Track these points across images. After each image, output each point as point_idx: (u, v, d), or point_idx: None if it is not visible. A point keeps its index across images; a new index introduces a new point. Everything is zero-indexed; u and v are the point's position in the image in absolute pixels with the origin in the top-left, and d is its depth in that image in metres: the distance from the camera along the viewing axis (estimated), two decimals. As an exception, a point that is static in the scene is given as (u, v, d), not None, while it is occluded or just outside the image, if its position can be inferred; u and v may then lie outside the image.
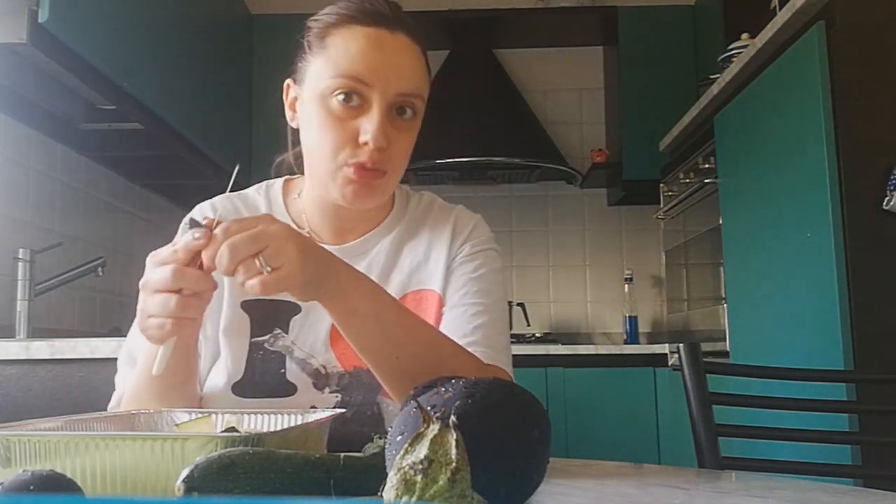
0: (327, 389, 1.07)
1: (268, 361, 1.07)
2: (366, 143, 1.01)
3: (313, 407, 1.06)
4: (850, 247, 1.74)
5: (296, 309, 1.10)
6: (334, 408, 1.05)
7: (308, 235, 0.88)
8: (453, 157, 3.41)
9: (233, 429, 0.81)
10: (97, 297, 2.87)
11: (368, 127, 1.01)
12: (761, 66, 2.16)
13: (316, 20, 1.07)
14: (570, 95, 3.93)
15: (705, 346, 1.69)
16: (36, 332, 2.33)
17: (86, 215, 2.85)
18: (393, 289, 1.11)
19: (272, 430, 0.81)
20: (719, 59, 2.56)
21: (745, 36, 2.52)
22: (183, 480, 0.55)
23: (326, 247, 1.08)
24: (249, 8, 3.58)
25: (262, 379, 1.07)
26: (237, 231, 0.80)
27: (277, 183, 1.19)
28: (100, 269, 2.57)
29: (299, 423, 0.81)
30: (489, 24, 3.73)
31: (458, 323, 1.08)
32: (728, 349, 2.39)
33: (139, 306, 0.86)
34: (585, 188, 3.85)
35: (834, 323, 1.74)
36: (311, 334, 1.09)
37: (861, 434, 1.49)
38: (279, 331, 1.09)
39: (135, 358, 1.10)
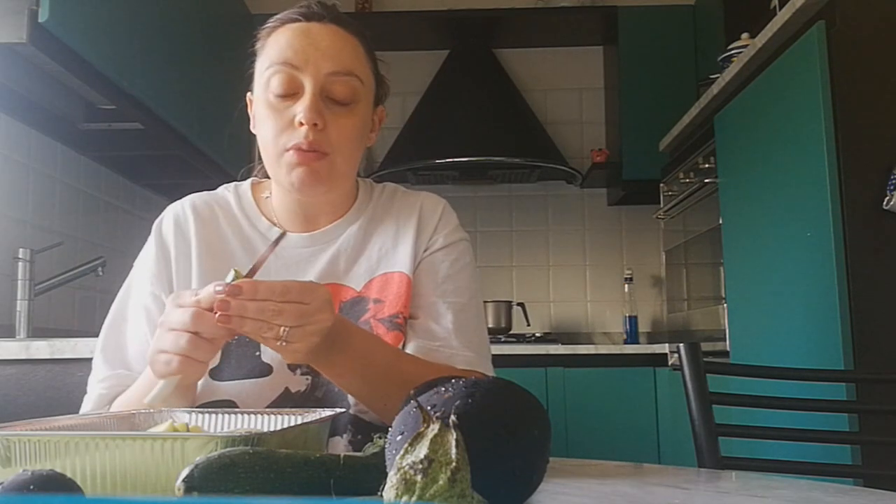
0: (299, 371, 1.11)
1: (243, 345, 1.10)
2: (301, 124, 1.06)
3: (287, 389, 1.09)
4: (850, 247, 1.74)
5: None
6: (306, 390, 1.10)
7: (313, 282, 0.94)
8: (453, 157, 3.41)
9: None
10: (97, 297, 2.87)
11: (300, 108, 1.06)
12: (761, 66, 2.15)
13: (259, 31, 1.15)
14: (570, 95, 3.93)
15: (705, 346, 1.69)
16: (36, 332, 2.33)
17: (86, 215, 2.85)
18: (361, 272, 1.16)
19: (272, 430, 0.81)
20: (719, 59, 2.56)
21: (745, 36, 2.51)
22: (183, 480, 0.55)
23: (297, 237, 1.16)
24: (249, 8, 3.59)
25: (238, 362, 1.09)
26: (295, 298, 0.86)
27: (245, 183, 1.25)
28: (100, 269, 2.57)
29: (299, 423, 0.81)
30: (489, 24, 3.73)
31: (437, 326, 1.13)
32: (728, 349, 2.39)
33: (153, 341, 0.90)
34: (585, 188, 3.85)
35: (834, 323, 1.74)
36: None
37: (861, 434, 1.49)
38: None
39: (127, 362, 1.11)
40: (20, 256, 2.30)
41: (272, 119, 1.08)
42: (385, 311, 1.13)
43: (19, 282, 2.29)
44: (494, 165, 3.54)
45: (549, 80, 3.92)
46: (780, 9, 1.98)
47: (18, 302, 2.29)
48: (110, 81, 2.21)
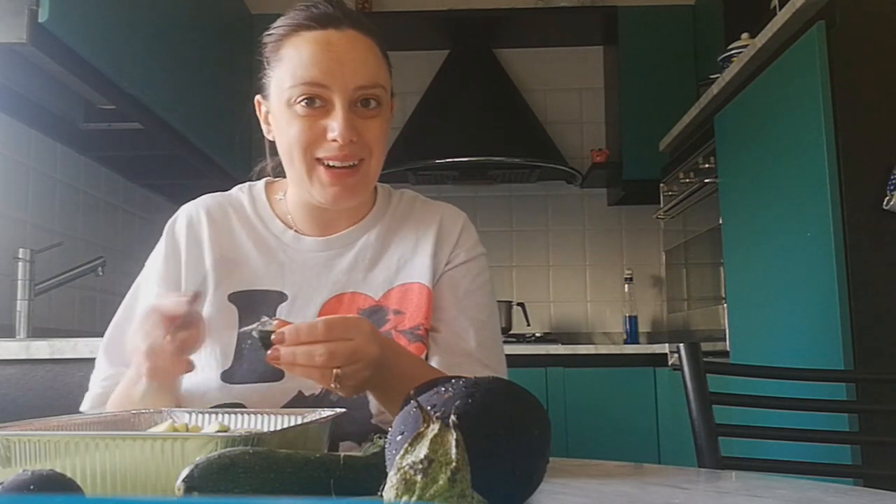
0: None
1: (256, 349, 1.09)
2: (334, 140, 1.05)
3: (300, 392, 1.09)
4: (850, 247, 1.74)
5: (282, 297, 1.13)
6: (319, 394, 1.09)
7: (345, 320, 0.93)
8: (453, 157, 3.41)
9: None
10: (97, 297, 2.87)
11: (335, 125, 1.05)
12: (761, 66, 2.15)
13: (269, 34, 1.12)
14: (570, 95, 3.93)
15: (705, 346, 1.69)
16: (36, 332, 2.33)
17: (86, 215, 2.85)
18: (380, 281, 1.16)
19: (272, 430, 0.81)
20: (719, 59, 2.56)
21: (745, 36, 2.51)
22: (183, 480, 0.55)
23: (313, 240, 1.16)
24: (249, 8, 3.58)
25: (250, 366, 1.09)
26: (339, 335, 0.87)
27: (259, 183, 1.24)
28: (100, 269, 2.57)
29: (299, 423, 0.81)
30: (489, 24, 3.72)
31: (458, 340, 1.14)
32: (728, 349, 2.39)
33: (132, 332, 0.92)
34: (585, 188, 3.85)
35: (834, 323, 1.74)
36: (299, 320, 1.11)
37: (861, 434, 1.49)
38: (267, 318, 1.12)
39: (127, 360, 1.11)
40: (20, 256, 2.30)
41: (302, 130, 1.07)
42: (406, 322, 1.13)
43: (19, 282, 2.29)
44: (494, 165, 3.54)
45: (549, 80, 3.92)
46: (780, 9, 1.98)
47: (18, 302, 2.29)
48: (110, 81, 2.21)
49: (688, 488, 0.74)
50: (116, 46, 2.23)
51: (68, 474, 0.56)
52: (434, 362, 1.13)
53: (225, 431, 0.78)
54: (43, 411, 1.73)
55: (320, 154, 1.07)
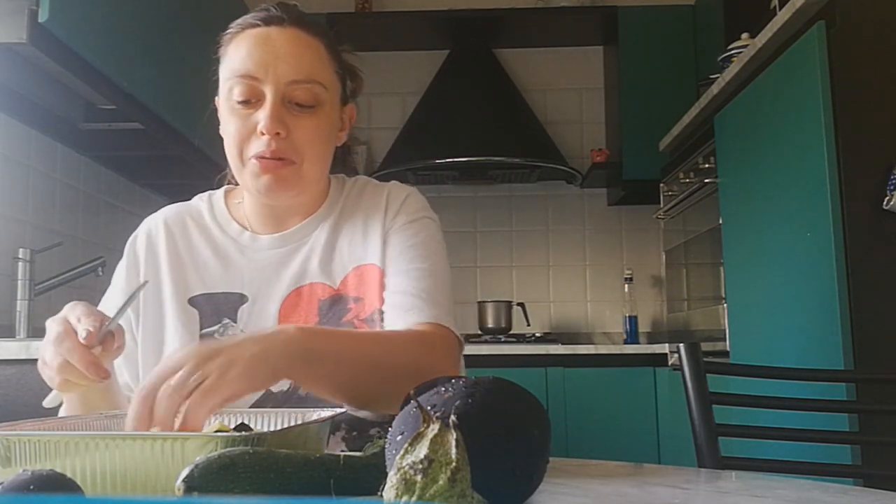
0: None
1: None
2: (262, 133, 1.05)
3: (268, 390, 1.08)
4: (850, 246, 1.74)
5: (243, 299, 1.14)
6: (288, 390, 1.08)
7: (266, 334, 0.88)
8: (453, 157, 3.41)
9: (243, 426, 0.79)
10: (97, 297, 2.86)
11: (262, 116, 1.06)
12: (761, 66, 2.16)
13: (222, 36, 1.15)
14: (570, 95, 3.93)
15: (705, 346, 1.68)
16: (36, 332, 2.33)
17: (86, 215, 2.84)
18: (337, 269, 1.15)
19: (272, 429, 0.81)
20: (719, 59, 2.56)
21: (745, 36, 2.51)
22: (183, 480, 0.55)
23: (269, 238, 1.16)
24: (249, 8, 3.58)
25: None
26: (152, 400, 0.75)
27: (219, 191, 1.26)
28: (100, 269, 2.57)
29: (299, 422, 0.81)
30: (489, 24, 3.73)
31: (402, 287, 1.10)
32: (728, 349, 2.39)
33: (41, 346, 0.89)
34: (585, 188, 3.85)
35: (834, 323, 1.74)
36: (260, 321, 1.12)
37: (861, 434, 1.49)
38: (228, 321, 1.13)
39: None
40: (20, 256, 2.30)
41: (235, 126, 1.08)
42: (366, 309, 1.12)
43: (19, 282, 2.29)
44: (494, 165, 3.54)
45: (549, 80, 3.92)
46: (780, 9, 1.98)
47: (18, 302, 2.29)
48: (110, 81, 2.20)
49: (688, 488, 0.74)
50: (116, 46, 2.23)
51: (68, 474, 0.56)
52: None
53: (225, 431, 0.78)
54: (43, 411, 1.73)
55: (251, 151, 1.07)
